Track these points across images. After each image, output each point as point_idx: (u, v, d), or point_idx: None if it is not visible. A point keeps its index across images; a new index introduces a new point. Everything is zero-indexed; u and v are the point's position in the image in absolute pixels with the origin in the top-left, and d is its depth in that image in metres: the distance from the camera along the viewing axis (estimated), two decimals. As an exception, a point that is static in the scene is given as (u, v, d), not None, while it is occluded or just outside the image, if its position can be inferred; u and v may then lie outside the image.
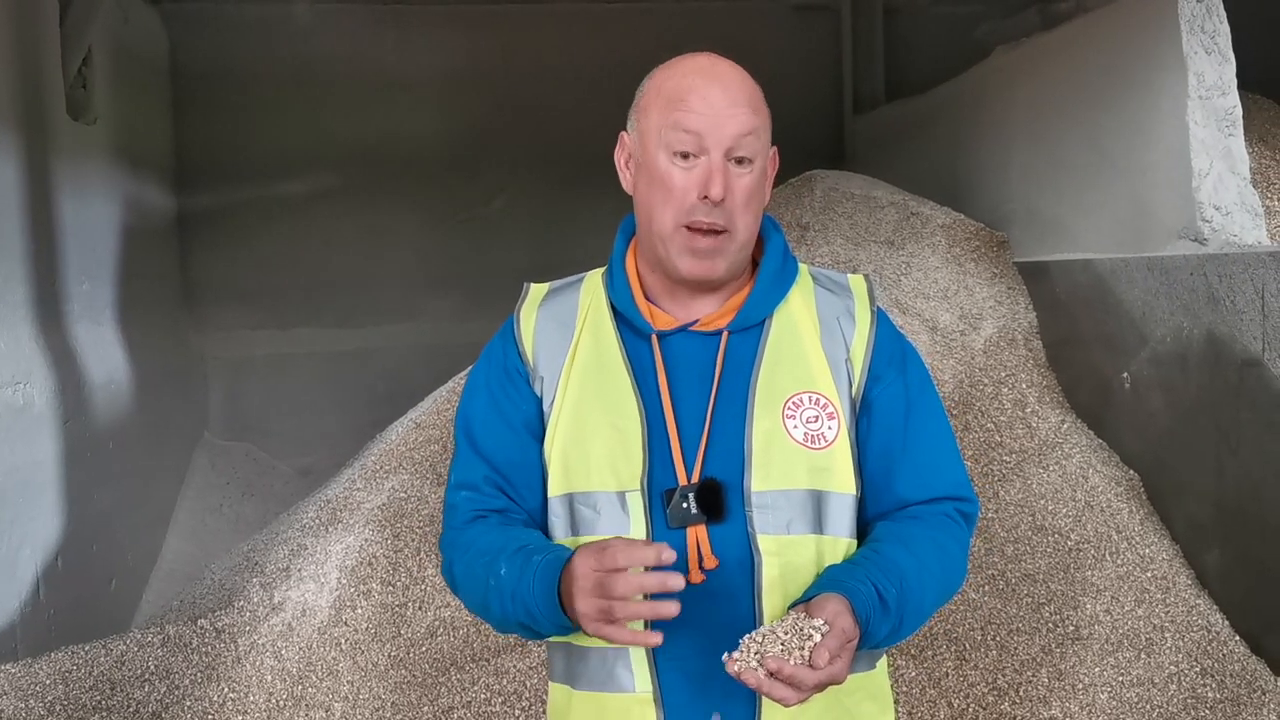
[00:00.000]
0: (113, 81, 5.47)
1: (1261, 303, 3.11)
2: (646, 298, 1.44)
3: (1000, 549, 3.51)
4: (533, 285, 1.54)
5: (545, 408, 1.42)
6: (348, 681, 3.16)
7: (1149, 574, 3.38)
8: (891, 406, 1.42)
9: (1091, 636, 3.23)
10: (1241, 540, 3.24)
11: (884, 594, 1.27)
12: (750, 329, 1.42)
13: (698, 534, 1.35)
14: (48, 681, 3.15)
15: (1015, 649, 3.21)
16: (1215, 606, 3.30)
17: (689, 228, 1.36)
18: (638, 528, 1.36)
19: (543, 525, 1.43)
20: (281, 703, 3.11)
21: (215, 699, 3.12)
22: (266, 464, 6.72)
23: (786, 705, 1.17)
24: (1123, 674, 3.14)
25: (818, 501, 1.37)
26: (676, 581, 1.18)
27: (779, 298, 1.44)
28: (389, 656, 3.23)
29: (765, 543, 1.35)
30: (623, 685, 1.36)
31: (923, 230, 4.66)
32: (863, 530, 1.42)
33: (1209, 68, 3.57)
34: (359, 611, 3.33)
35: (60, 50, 4.65)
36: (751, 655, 1.18)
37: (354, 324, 7.06)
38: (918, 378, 1.45)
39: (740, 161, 1.36)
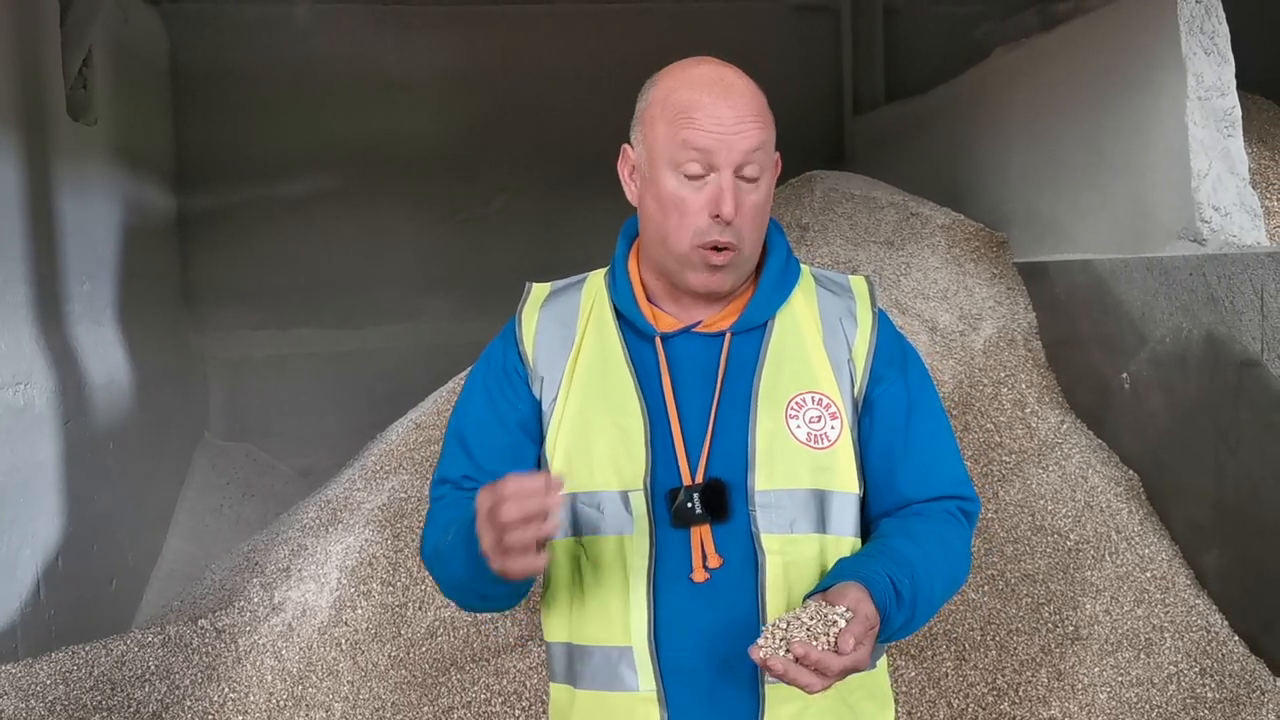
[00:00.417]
0: (113, 82, 5.47)
1: (1260, 303, 3.12)
2: (649, 299, 1.45)
3: (1000, 549, 3.51)
4: (535, 285, 1.54)
5: (546, 408, 1.43)
6: (348, 682, 3.17)
7: (1148, 574, 3.39)
8: (893, 407, 1.42)
9: (1091, 637, 3.23)
10: (1241, 540, 3.25)
11: (898, 585, 1.28)
12: (753, 330, 1.43)
13: (701, 533, 1.35)
14: (48, 681, 3.16)
15: (1015, 649, 3.22)
16: (1214, 606, 3.30)
17: (702, 247, 1.36)
18: (641, 527, 1.37)
19: None
20: (282, 703, 3.11)
21: (216, 699, 3.12)
22: (267, 464, 6.72)
23: (810, 692, 1.17)
24: (1122, 674, 3.14)
25: (821, 501, 1.37)
26: (555, 501, 1.17)
27: (781, 299, 1.44)
28: (389, 657, 3.23)
29: (769, 542, 1.35)
30: (626, 684, 1.37)
31: (922, 231, 4.67)
32: (866, 529, 1.43)
33: (1208, 68, 3.57)
34: (359, 612, 3.33)
35: (61, 51, 4.65)
36: (777, 641, 1.18)
37: (354, 324, 7.06)
38: (918, 378, 1.46)
39: (749, 178, 1.36)
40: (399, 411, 4.52)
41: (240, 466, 6.56)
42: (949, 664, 3.17)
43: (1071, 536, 3.51)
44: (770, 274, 1.45)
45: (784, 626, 1.19)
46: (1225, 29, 3.60)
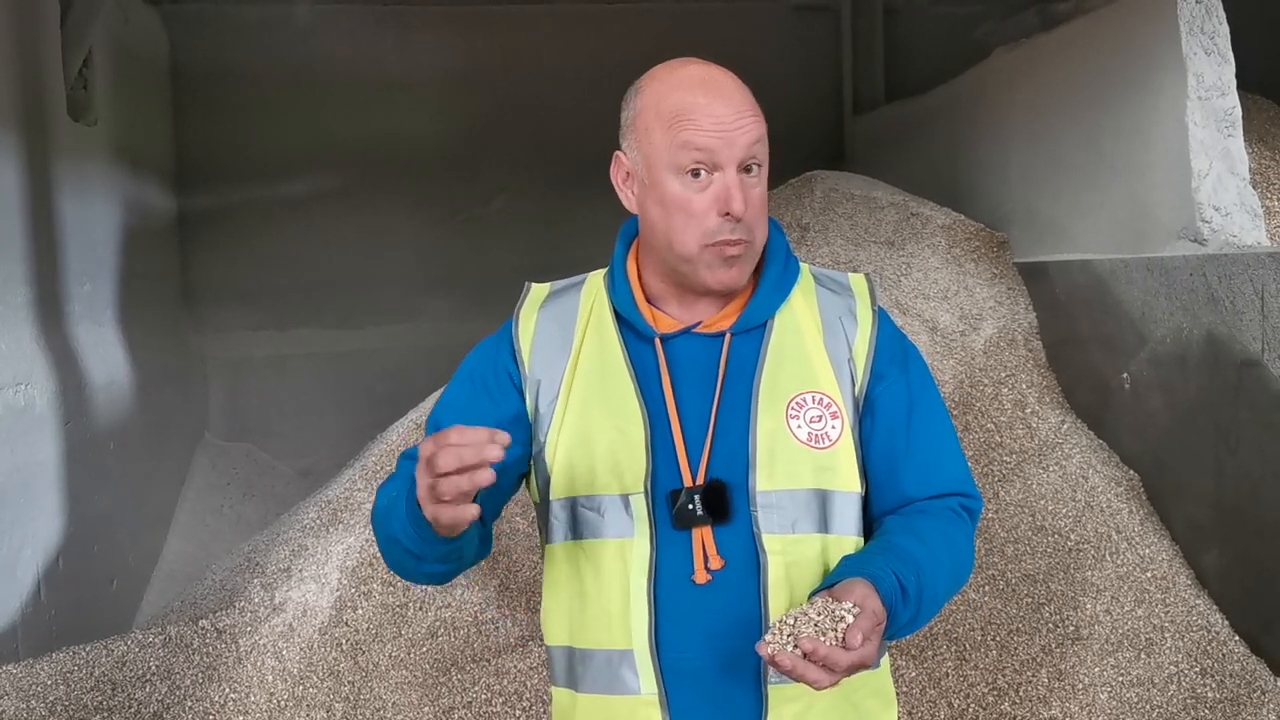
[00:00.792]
0: (113, 82, 5.47)
1: (1261, 303, 3.12)
2: (649, 301, 1.45)
3: (1000, 549, 3.51)
4: (534, 286, 1.54)
5: (544, 411, 1.42)
6: (349, 682, 3.17)
7: (1149, 574, 3.39)
8: (894, 405, 1.42)
9: (1091, 637, 3.24)
10: (1241, 540, 3.25)
11: (904, 581, 1.27)
12: (753, 330, 1.42)
13: (703, 535, 1.35)
14: (49, 682, 3.16)
15: (1015, 649, 3.22)
16: (1215, 606, 3.30)
17: (713, 245, 1.36)
18: (641, 530, 1.36)
19: (497, 514, 1.45)
20: (283, 703, 3.11)
21: (216, 699, 3.12)
22: (267, 464, 6.72)
23: (818, 688, 1.17)
24: (1123, 674, 3.14)
25: (823, 501, 1.37)
26: (494, 452, 1.16)
27: (781, 299, 1.44)
28: (390, 657, 3.23)
29: (770, 542, 1.35)
30: (628, 687, 1.36)
31: (923, 231, 4.67)
32: (869, 528, 1.43)
33: (1208, 68, 3.57)
34: (360, 612, 3.33)
35: (61, 51, 4.66)
36: (785, 637, 1.18)
37: (354, 324, 7.06)
38: (919, 376, 1.46)
39: (750, 170, 1.36)
40: (399, 412, 4.52)
41: (241, 467, 6.56)
42: (950, 664, 3.17)
43: (1072, 536, 3.51)
44: (770, 274, 1.44)
45: (791, 623, 1.19)
46: (1225, 29, 3.60)
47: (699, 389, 1.40)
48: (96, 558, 4.50)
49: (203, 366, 6.83)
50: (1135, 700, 3.08)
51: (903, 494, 1.41)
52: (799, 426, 1.37)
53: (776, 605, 1.34)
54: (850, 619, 1.18)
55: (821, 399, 1.39)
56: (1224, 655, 3.17)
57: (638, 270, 1.46)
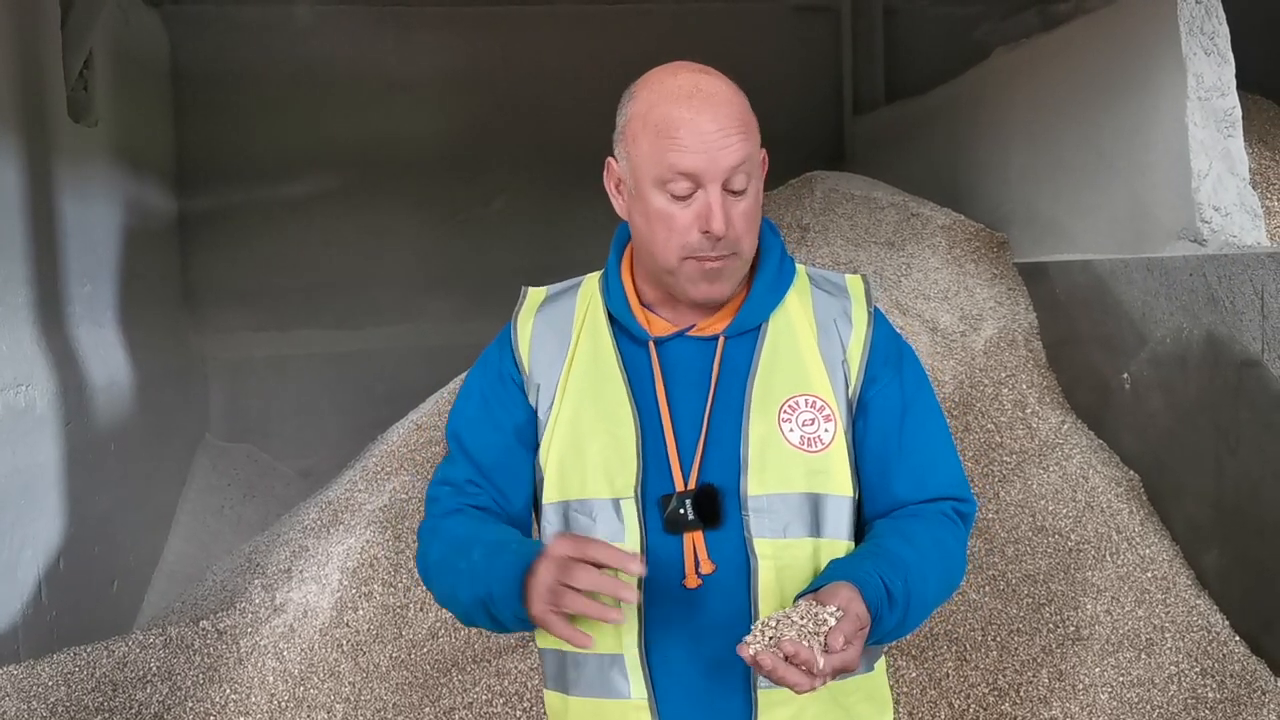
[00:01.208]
0: (114, 84, 5.47)
1: (1261, 303, 3.12)
2: (642, 304, 1.45)
3: (1001, 549, 3.51)
4: (530, 290, 1.54)
5: (542, 415, 1.42)
6: (349, 683, 3.17)
7: (1149, 574, 3.39)
8: (887, 407, 1.41)
9: (1092, 637, 3.24)
10: (1241, 540, 3.25)
11: (890, 586, 1.27)
12: (747, 333, 1.42)
13: (694, 539, 1.35)
14: (50, 683, 3.16)
15: (1016, 649, 3.22)
16: (1215, 607, 3.30)
17: (691, 258, 1.35)
18: (632, 534, 1.36)
19: (526, 529, 1.45)
20: (283, 704, 3.11)
21: (217, 700, 3.12)
22: (267, 465, 6.72)
23: (799, 691, 1.16)
24: (1123, 674, 3.14)
25: (815, 504, 1.37)
26: (629, 594, 1.20)
27: (775, 302, 1.43)
28: (391, 657, 3.23)
29: (762, 546, 1.35)
30: (618, 691, 1.37)
31: (923, 231, 4.67)
32: (860, 532, 1.42)
33: (1208, 69, 3.57)
34: (360, 613, 3.34)
35: (62, 52, 4.66)
36: (766, 639, 1.17)
37: (354, 325, 7.07)
38: (914, 377, 1.45)
39: (736, 190, 1.34)
40: (399, 412, 4.52)
41: (241, 467, 6.57)
42: (950, 664, 3.17)
43: (1072, 537, 3.51)
44: (764, 277, 1.44)
45: (774, 625, 1.18)
46: (1225, 29, 3.60)
47: (693, 392, 1.39)
48: (97, 559, 4.50)
49: (203, 367, 6.84)
50: (1136, 700, 3.08)
51: (895, 497, 1.40)
52: (791, 430, 1.37)
53: (767, 609, 1.33)
54: (833, 622, 1.18)
55: (815, 402, 1.38)
56: (1224, 655, 3.17)
57: (631, 274, 1.46)
